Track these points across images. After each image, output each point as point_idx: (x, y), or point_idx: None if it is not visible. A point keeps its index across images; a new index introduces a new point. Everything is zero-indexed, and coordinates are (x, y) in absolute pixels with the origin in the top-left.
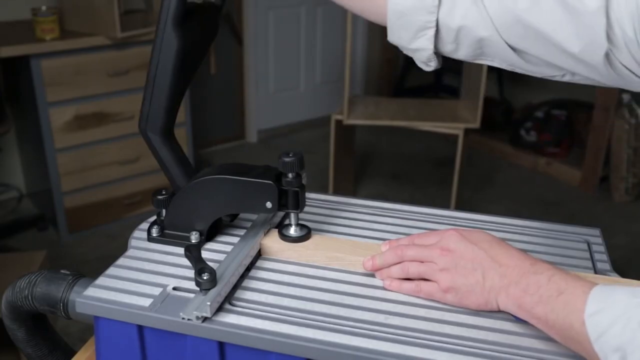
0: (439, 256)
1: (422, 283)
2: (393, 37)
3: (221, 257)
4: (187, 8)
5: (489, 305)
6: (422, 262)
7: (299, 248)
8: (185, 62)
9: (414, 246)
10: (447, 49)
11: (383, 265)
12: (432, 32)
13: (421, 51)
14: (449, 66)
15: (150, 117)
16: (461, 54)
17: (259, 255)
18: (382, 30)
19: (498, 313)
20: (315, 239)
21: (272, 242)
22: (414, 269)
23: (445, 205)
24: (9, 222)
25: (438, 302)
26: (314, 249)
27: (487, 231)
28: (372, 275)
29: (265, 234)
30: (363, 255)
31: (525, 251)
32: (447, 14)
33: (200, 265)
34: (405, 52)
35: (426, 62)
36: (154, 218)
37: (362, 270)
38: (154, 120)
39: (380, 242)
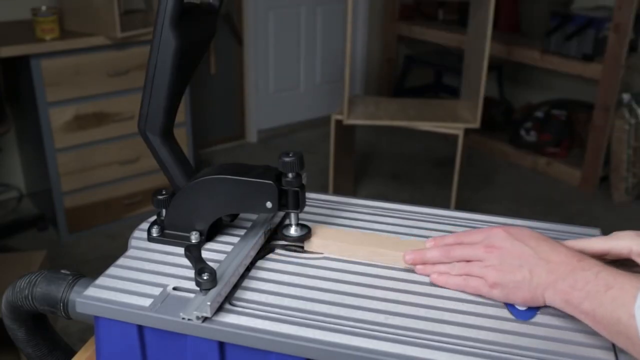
0: (485, 254)
1: (470, 278)
2: None
3: (221, 257)
4: (185, 8)
5: (535, 300)
6: (468, 261)
7: (341, 243)
8: (183, 62)
9: (460, 246)
10: None
11: (428, 262)
12: None
13: None
14: (449, 66)
15: (149, 117)
16: None
17: (259, 255)
18: (382, 30)
19: (498, 312)
20: (356, 234)
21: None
22: (460, 268)
23: (445, 205)
24: (9, 222)
25: (438, 300)
26: (356, 244)
27: None
28: (373, 275)
29: (270, 233)
30: (404, 250)
31: None
32: None
33: (200, 265)
34: None
35: None
36: (154, 218)
37: (362, 269)
38: (153, 121)
39: None
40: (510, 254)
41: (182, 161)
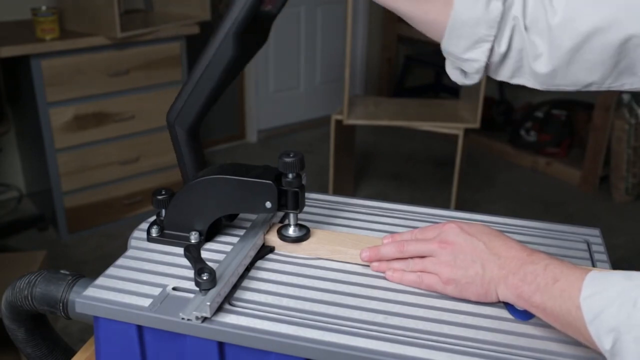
0: (439, 249)
1: (424, 275)
2: (448, 46)
3: (221, 257)
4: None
5: (488, 296)
6: (423, 257)
7: (302, 242)
8: (233, 71)
9: (415, 241)
10: (495, 62)
11: (383, 258)
12: (488, 45)
13: (473, 62)
14: None
15: (182, 112)
16: (502, 74)
17: (258, 255)
18: (382, 30)
19: (497, 312)
20: (317, 233)
21: (275, 237)
22: (414, 265)
23: (445, 205)
24: (9, 222)
25: (437, 300)
26: (317, 243)
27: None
28: (372, 275)
29: (268, 230)
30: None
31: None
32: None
33: (199, 265)
34: (453, 61)
35: (474, 73)
36: (153, 218)
37: (361, 270)
38: (185, 117)
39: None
40: (462, 249)
41: (200, 161)
